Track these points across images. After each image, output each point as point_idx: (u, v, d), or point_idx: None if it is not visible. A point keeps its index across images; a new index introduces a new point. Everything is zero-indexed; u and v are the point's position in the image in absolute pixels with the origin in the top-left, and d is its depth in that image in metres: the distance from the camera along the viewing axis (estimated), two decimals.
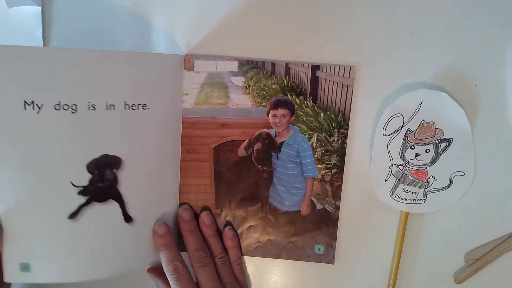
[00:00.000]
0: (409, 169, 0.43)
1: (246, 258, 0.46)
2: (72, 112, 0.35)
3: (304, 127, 0.43)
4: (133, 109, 0.37)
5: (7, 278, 0.37)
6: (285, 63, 0.43)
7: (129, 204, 0.39)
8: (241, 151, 0.44)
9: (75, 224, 0.37)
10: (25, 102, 0.34)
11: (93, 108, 0.35)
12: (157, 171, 0.41)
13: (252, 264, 0.46)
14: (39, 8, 0.42)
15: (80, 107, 0.35)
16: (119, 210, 0.39)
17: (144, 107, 0.38)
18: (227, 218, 0.45)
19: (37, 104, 0.34)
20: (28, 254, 0.37)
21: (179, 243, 0.43)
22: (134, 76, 0.37)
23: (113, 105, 0.36)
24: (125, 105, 0.37)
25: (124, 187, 0.39)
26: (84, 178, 0.37)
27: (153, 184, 0.41)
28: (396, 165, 0.43)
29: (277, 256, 0.45)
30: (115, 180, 0.38)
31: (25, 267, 0.36)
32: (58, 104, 0.34)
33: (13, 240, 0.36)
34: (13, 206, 0.35)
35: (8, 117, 0.34)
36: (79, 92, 0.35)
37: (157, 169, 0.41)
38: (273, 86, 0.43)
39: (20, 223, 0.36)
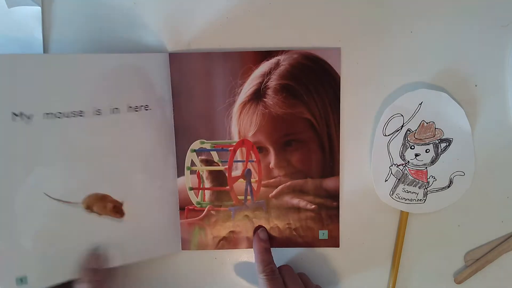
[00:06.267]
0: (409, 169, 0.43)
1: (245, 257, 0.46)
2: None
3: None
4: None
5: None
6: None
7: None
8: None
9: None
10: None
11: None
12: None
13: (251, 264, 0.46)
14: (39, 8, 0.42)
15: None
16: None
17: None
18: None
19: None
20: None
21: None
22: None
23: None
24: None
25: None
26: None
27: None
28: (396, 165, 0.43)
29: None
30: None
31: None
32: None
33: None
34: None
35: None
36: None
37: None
38: None
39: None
